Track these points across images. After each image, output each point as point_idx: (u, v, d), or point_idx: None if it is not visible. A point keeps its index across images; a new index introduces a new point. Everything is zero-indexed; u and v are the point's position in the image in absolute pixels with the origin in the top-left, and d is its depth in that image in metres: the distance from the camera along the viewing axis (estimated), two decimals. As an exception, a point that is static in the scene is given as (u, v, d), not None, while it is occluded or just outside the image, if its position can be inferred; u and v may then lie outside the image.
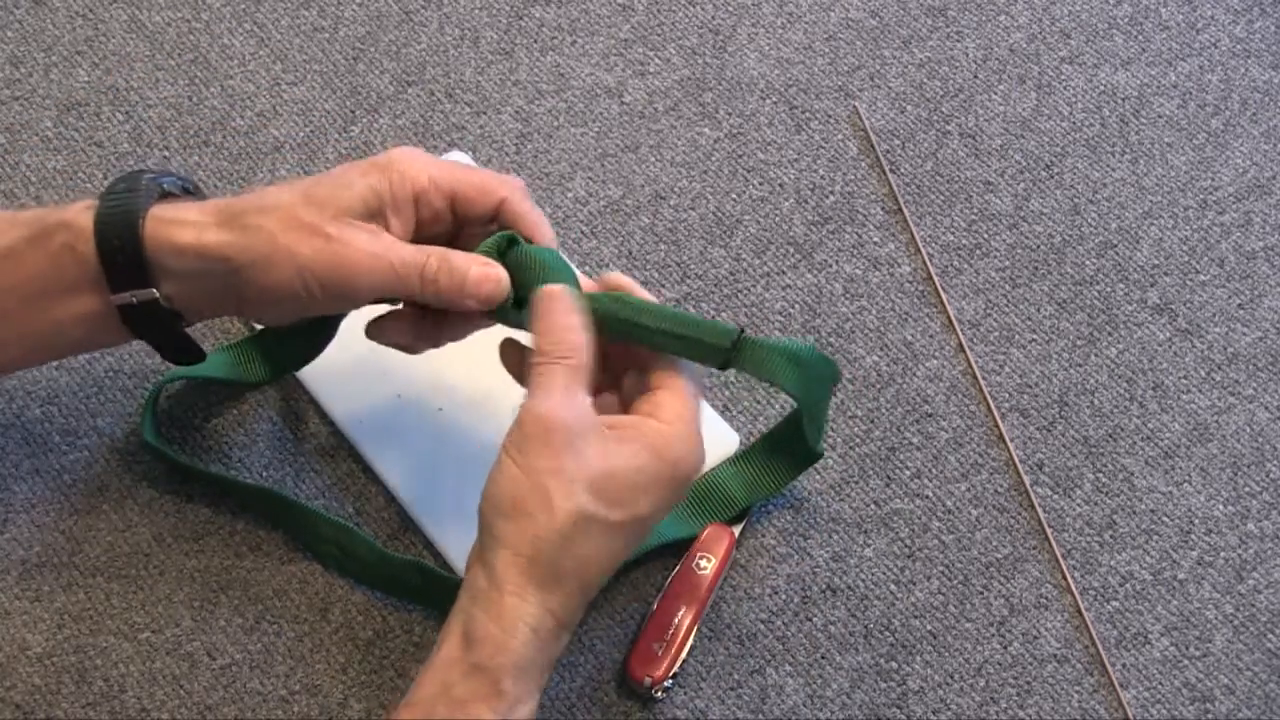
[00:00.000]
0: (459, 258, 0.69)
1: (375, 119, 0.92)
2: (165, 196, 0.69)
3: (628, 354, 0.70)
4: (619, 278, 0.70)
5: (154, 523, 0.78)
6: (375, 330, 0.72)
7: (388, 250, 0.68)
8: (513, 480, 0.63)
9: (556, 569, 0.63)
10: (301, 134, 0.91)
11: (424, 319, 0.72)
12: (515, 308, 0.70)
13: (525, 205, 0.71)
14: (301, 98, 0.93)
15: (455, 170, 0.70)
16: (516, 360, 0.71)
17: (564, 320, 0.67)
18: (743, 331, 0.68)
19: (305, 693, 0.74)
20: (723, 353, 0.68)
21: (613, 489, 0.63)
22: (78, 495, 0.79)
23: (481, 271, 0.69)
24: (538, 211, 0.72)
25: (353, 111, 0.92)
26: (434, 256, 0.69)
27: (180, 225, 0.67)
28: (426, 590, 0.76)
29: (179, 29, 0.95)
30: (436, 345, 0.73)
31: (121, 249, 0.67)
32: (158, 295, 0.67)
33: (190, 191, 0.72)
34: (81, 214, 0.67)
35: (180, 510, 0.78)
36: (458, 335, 0.73)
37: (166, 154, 0.89)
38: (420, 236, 0.70)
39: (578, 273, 0.71)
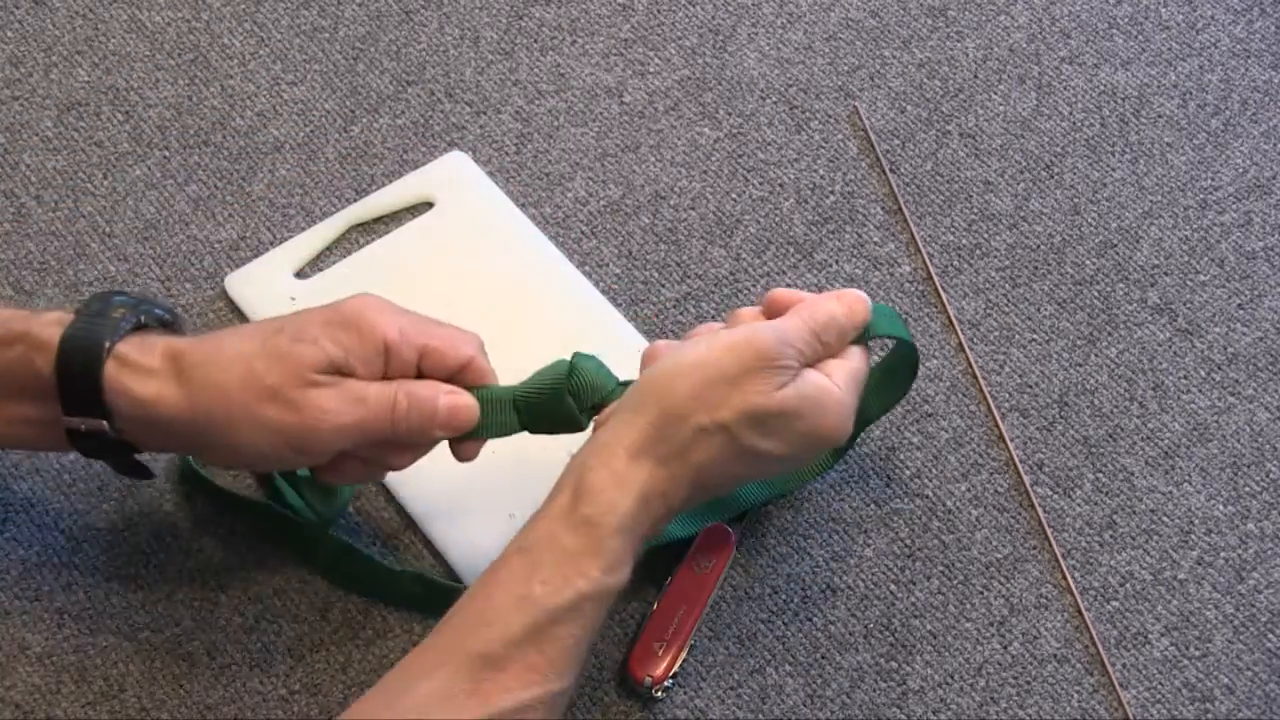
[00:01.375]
0: (425, 391, 0.68)
1: (375, 119, 0.92)
2: (139, 329, 0.67)
3: None
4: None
5: (154, 523, 0.78)
6: (332, 475, 0.71)
7: (354, 406, 0.66)
8: (698, 361, 0.67)
9: (684, 455, 0.66)
10: (301, 134, 0.91)
11: (369, 459, 0.71)
12: (582, 414, 0.71)
13: (488, 365, 0.71)
14: (301, 98, 0.93)
15: (424, 324, 0.70)
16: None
17: (849, 326, 0.72)
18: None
19: (305, 692, 0.74)
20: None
21: (767, 421, 0.67)
22: (78, 495, 0.79)
23: (450, 401, 0.69)
24: (493, 374, 0.71)
25: (353, 111, 0.92)
26: (402, 394, 0.68)
27: (141, 375, 0.66)
28: (430, 599, 0.76)
29: (179, 29, 0.95)
30: (392, 469, 0.72)
31: (81, 378, 0.65)
32: (108, 429, 0.66)
33: (167, 324, 0.70)
34: (49, 329, 0.66)
35: (180, 510, 0.78)
36: (408, 463, 0.72)
37: (166, 153, 0.89)
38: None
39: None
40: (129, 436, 0.67)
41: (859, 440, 0.82)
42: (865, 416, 0.76)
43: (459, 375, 0.70)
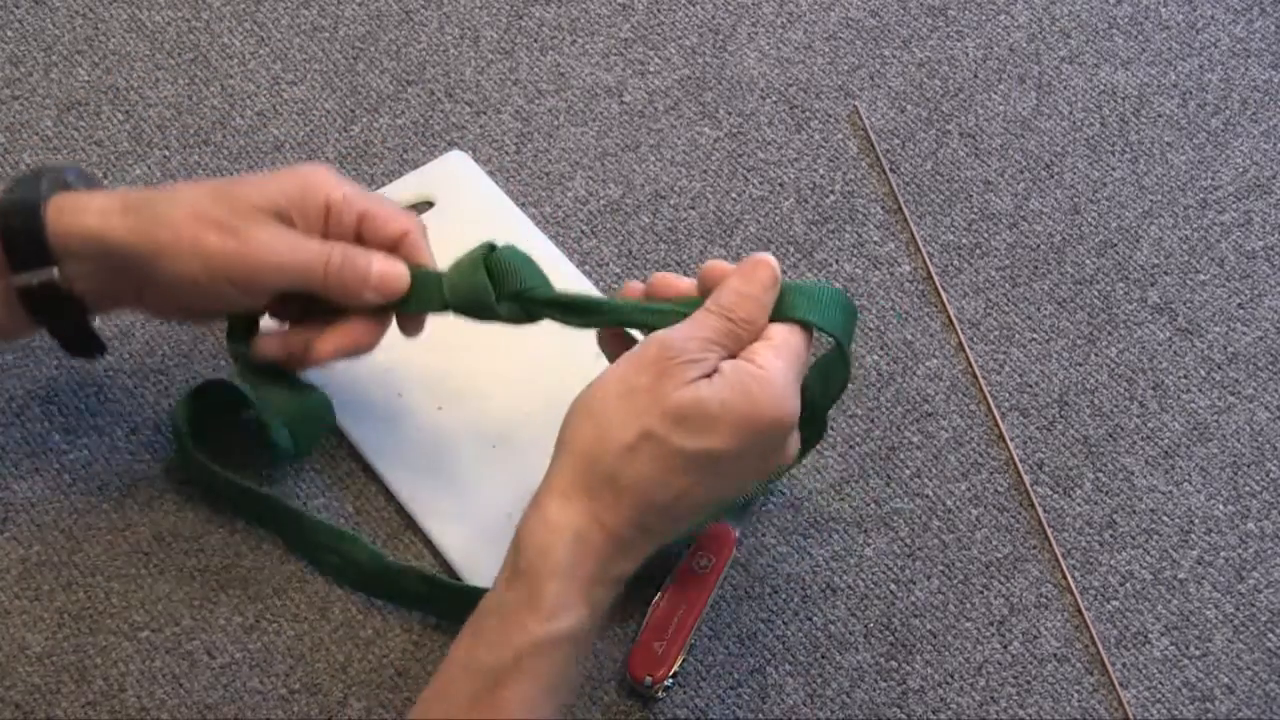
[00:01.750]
0: (361, 253, 0.71)
1: (375, 119, 0.92)
2: (67, 189, 0.70)
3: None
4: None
5: (154, 523, 0.78)
6: (259, 345, 0.74)
7: (293, 246, 0.69)
8: (603, 387, 0.65)
9: (614, 481, 0.63)
10: (301, 133, 0.91)
11: (294, 338, 0.73)
12: (499, 304, 0.72)
13: (425, 243, 0.73)
14: (301, 97, 0.93)
15: (368, 195, 0.72)
16: (616, 350, 0.71)
17: (755, 291, 0.66)
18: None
19: (305, 692, 0.74)
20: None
21: (691, 417, 0.63)
22: (78, 495, 0.79)
23: (384, 266, 0.71)
24: (430, 254, 0.73)
25: (353, 111, 0.92)
26: (337, 251, 0.70)
27: (84, 211, 0.68)
28: (431, 598, 0.76)
29: (179, 29, 0.95)
30: (318, 363, 0.73)
31: (23, 230, 0.68)
32: (56, 277, 0.68)
33: (92, 186, 0.73)
34: None
35: (180, 510, 0.78)
36: (330, 353, 0.73)
37: (166, 153, 0.89)
38: None
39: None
40: (79, 289, 0.69)
41: (858, 440, 0.82)
42: (817, 404, 0.73)
43: (396, 249, 0.72)
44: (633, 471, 0.63)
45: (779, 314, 0.68)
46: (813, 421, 0.72)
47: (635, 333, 0.72)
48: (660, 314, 0.69)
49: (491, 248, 0.72)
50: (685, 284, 0.70)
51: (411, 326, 0.75)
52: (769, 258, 0.67)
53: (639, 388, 0.64)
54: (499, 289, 0.72)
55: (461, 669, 0.63)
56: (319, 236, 0.71)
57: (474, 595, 0.75)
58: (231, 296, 0.70)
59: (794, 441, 0.68)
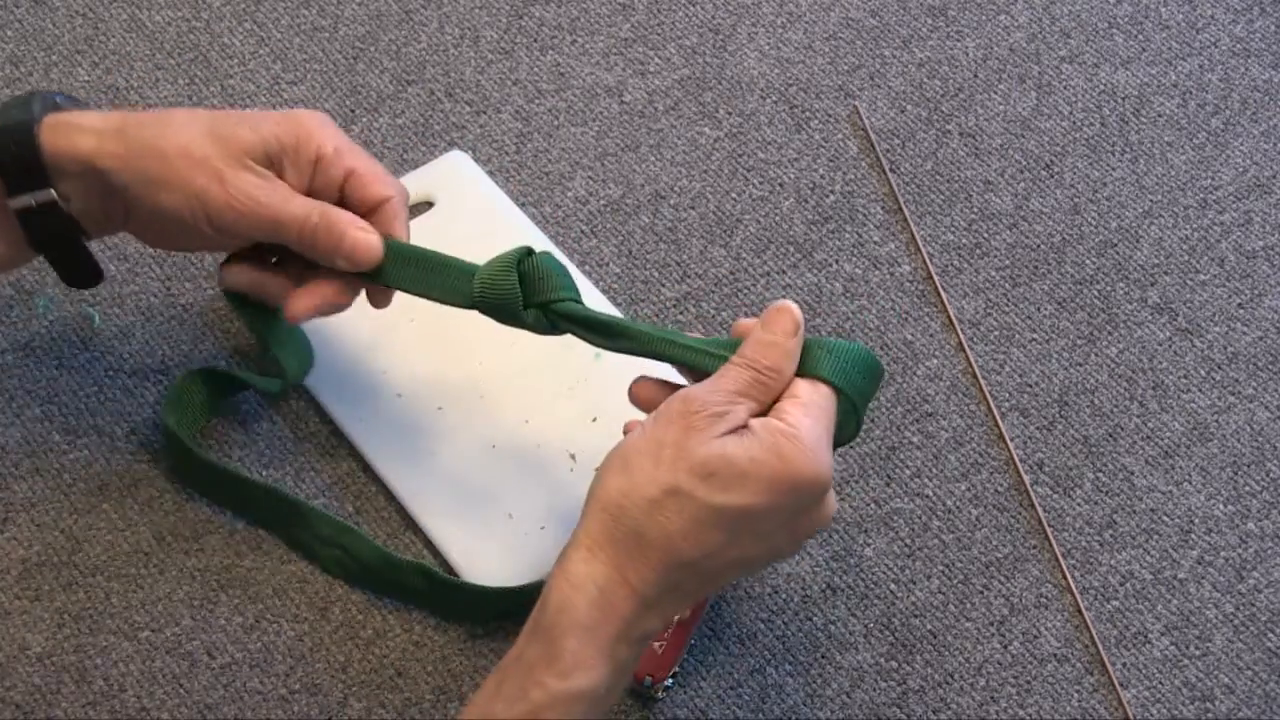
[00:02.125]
0: (340, 217, 0.71)
1: (375, 119, 0.92)
2: (58, 110, 0.71)
3: None
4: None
5: (154, 523, 0.78)
6: (224, 275, 0.75)
7: (277, 201, 0.70)
8: (632, 442, 0.64)
9: (640, 536, 0.62)
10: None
11: (270, 281, 0.74)
12: (526, 309, 0.71)
13: (404, 212, 0.73)
14: (301, 98, 0.93)
15: (360, 153, 0.73)
16: (650, 398, 0.70)
17: (779, 339, 0.65)
18: None
19: (305, 692, 0.74)
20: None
21: (721, 472, 0.61)
22: (78, 495, 0.79)
23: (358, 235, 0.71)
24: (407, 226, 0.73)
25: (353, 111, 0.92)
26: (316, 212, 0.71)
27: (78, 131, 0.69)
28: (430, 594, 0.76)
29: (179, 29, 0.95)
30: (292, 318, 0.74)
31: (18, 152, 0.68)
32: (55, 197, 0.69)
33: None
34: None
35: (180, 510, 0.78)
36: (303, 314, 0.73)
37: (166, 154, 0.89)
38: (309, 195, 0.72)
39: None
40: (75, 209, 0.70)
41: (858, 440, 0.82)
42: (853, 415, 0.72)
43: (376, 213, 0.72)
44: (659, 527, 0.62)
45: (806, 369, 0.66)
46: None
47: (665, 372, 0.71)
48: (685, 349, 0.69)
49: (528, 252, 0.72)
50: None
51: (381, 299, 0.75)
52: (790, 305, 0.66)
53: (665, 442, 0.62)
54: (528, 295, 0.71)
55: None
56: (305, 186, 0.72)
57: (472, 592, 0.75)
58: (209, 237, 0.71)
59: (830, 502, 0.66)
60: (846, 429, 0.68)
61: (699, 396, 0.63)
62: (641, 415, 0.71)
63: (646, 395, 0.70)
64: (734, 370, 0.65)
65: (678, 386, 0.69)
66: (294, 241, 0.71)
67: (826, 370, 0.66)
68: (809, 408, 0.64)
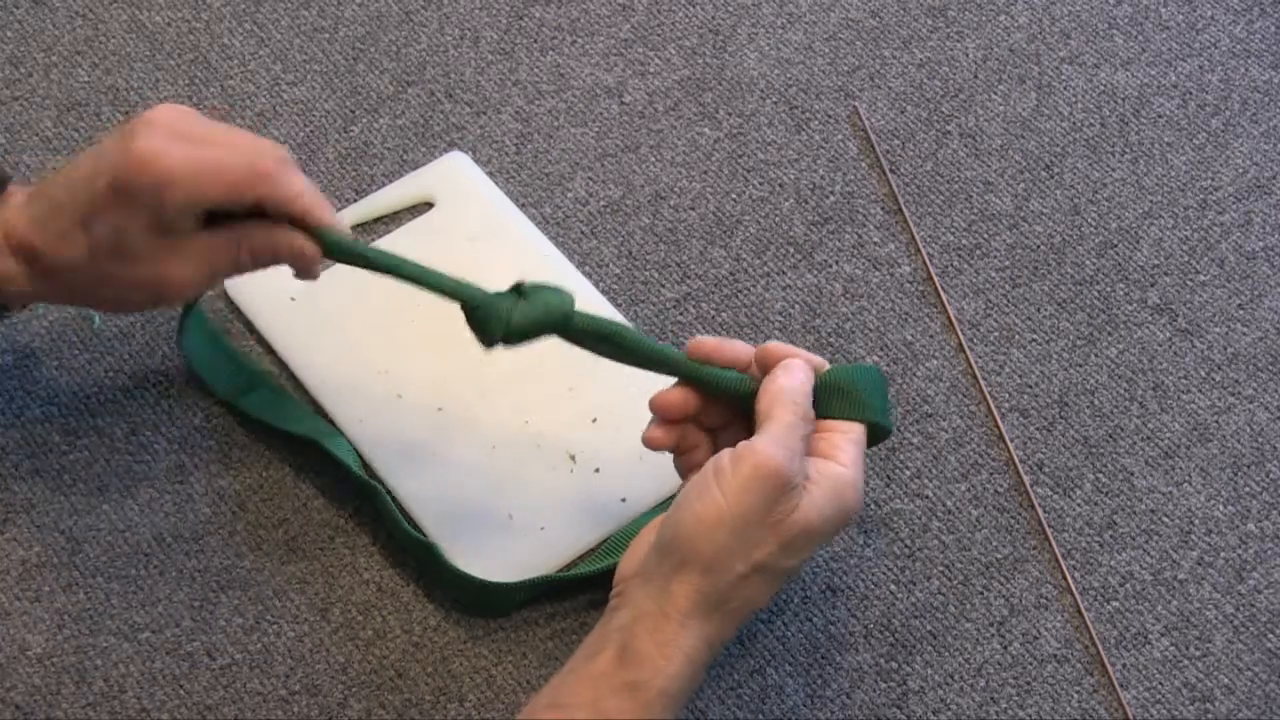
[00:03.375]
0: (262, 241, 0.69)
1: (375, 119, 0.92)
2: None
3: None
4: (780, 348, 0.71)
5: (154, 523, 0.78)
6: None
7: (199, 267, 0.69)
8: (718, 512, 0.64)
9: (725, 604, 0.65)
10: (301, 134, 0.91)
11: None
12: (520, 338, 0.71)
13: (283, 189, 0.68)
14: (301, 98, 0.93)
15: (207, 158, 0.66)
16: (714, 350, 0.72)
17: (804, 387, 0.69)
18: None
19: (305, 693, 0.74)
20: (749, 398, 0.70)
21: (799, 541, 0.66)
22: (78, 495, 0.79)
23: (291, 247, 0.70)
24: (306, 189, 0.69)
25: (353, 111, 0.92)
26: (243, 250, 0.70)
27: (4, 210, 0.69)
28: (432, 571, 0.76)
29: (179, 29, 0.95)
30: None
31: None
32: None
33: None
34: None
35: (180, 510, 0.78)
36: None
37: (166, 154, 0.89)
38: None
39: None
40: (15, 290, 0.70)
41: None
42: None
43: (262, 210, 0.69)
44: (743, 597, 0.65)
45: (844, 410, 0.70)
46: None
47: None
48: (704, 378, 0.71)
49: (569, 315, 0.70)
50: (741, 350, 0.71)
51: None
52: (791, 351, 0.70)
53: (750, 518, 0.64)
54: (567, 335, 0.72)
55: None
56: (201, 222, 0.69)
57: (470, 582, 0.75)
58: (164, 305, 0.72)
59: None
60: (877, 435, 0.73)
61: (776, 463, 0.64)
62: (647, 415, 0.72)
63: (671, 404, 0.72)
64: (797, 424, 0.67)
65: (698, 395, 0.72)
66: (238, 271, 0.70)
67: (876, 414, 0.70)
68: (858, 442, 0.69)
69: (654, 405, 0.72)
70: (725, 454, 0.66)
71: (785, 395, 0.67)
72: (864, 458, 0.69)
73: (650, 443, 0.72)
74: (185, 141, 0.66)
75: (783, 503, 0.65)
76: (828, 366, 0.71)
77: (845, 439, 0.68)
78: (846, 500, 0.67)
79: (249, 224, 0.69)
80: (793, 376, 0.68)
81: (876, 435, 0.71)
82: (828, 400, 0.70)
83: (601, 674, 0.64)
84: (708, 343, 0.71)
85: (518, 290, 0.71)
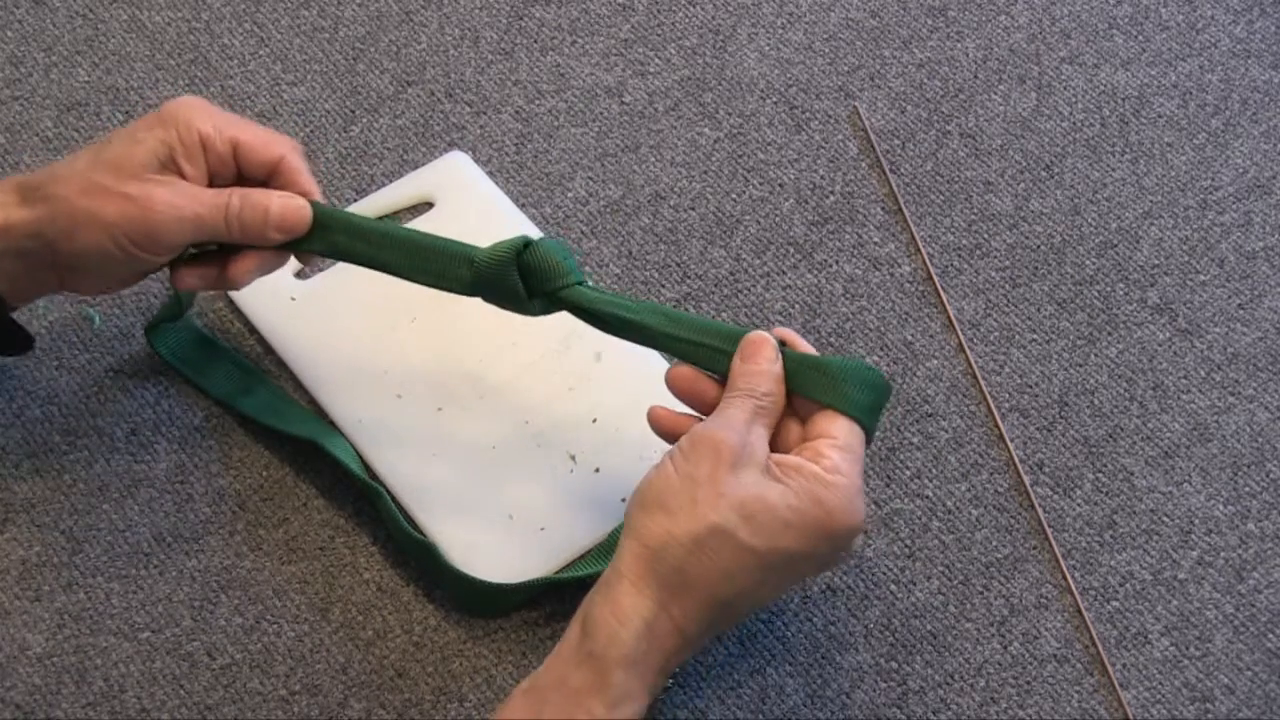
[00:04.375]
0: (258, 193, 0.72)
1: (375, 119, 0.92)
2: None
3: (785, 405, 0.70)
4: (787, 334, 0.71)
5: (154, 523, 0.78)
6: (177, 279, 0.75)
7: (190, 198, 0.71)
8: (665, 479, 0.65)
9: (683, 573, 0.63)
10: (301, 134, 0.91)
11: (213, 263, 0.75)
12: (530, 300, 0.72)
13: (303, 165, 0.74)
14: (301, 98, 0.93)
15: (237, 120, 0.73)
16: (688, 384, 0.71)
17: (767, 367, 0.68)
18: (783, 347, 0.70)
19: (305, 693, 0.74)
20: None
21: (761, 516, 0.64)
22: (78, 495, 0.79)
23: (283, 203, 0.72)
24: (312, 178, 0.74)
25: (353, 111, 0.92)
26: (235, 195, 0.72)
27: None
28: (432, 571, 0.76)
29: (179, 29, 0.95)
30: (235, 286, 0.75)
31: None
32: None
33: None
34: None
35: (180, 510, 0.78)
36: (245, 275, 0.74)
37: (166, 154, 0.89)
38: (213, 185, 0.73)
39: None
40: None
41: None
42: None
43: (275, 175, 0.74)
44: (702, 566, 0.63)
45: (832, 399, 0.68)
46: None
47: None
48: (690, 345, 0.71)
49: (527, 243, 0.72)
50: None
51: (309, 260, 0.77)
52: (765, 335, 0.69)
53: (699, 479, 0.64)
54: (531, 286, 0.72)
55: None
56: (206, 174, 0.72)
57: (471, 584, 0.75)
58: (142, 259, 0.71)
59: (860, 539, 0.69)
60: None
61: (717, 434, 0.65)
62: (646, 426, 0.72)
63: (667, 425, 0.71)
64: (737, 401, 0.67)
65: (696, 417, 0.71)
66: (223, 230, 0.72)
67: (857, 408, 0.68)
68: (847, 452, 0.66)
69: (651, 421, 0.72)
70: (685, 434, 0.67)
71: (736, 378, 0.68)
72: (857, 466, 0.66)
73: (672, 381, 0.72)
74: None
75: (735, 472, 0.64)
76: (803, 345, 0.70)
77: (832, 445, 0.66)
78: (829, 504, 0.64)
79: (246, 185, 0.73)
80: (744, 360, 0.69)
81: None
82: (806, 375, 0.69)
83: (568, 648, 0.64)
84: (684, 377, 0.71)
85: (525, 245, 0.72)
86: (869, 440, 0.69)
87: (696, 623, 0.64)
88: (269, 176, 0.74)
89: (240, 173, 0.74)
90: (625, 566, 0.64)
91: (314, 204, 0.74)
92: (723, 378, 0.70)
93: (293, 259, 0.78)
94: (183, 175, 0.71)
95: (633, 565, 0.64)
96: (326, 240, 0.74)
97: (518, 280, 0.72)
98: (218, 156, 0.72)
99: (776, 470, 0.65)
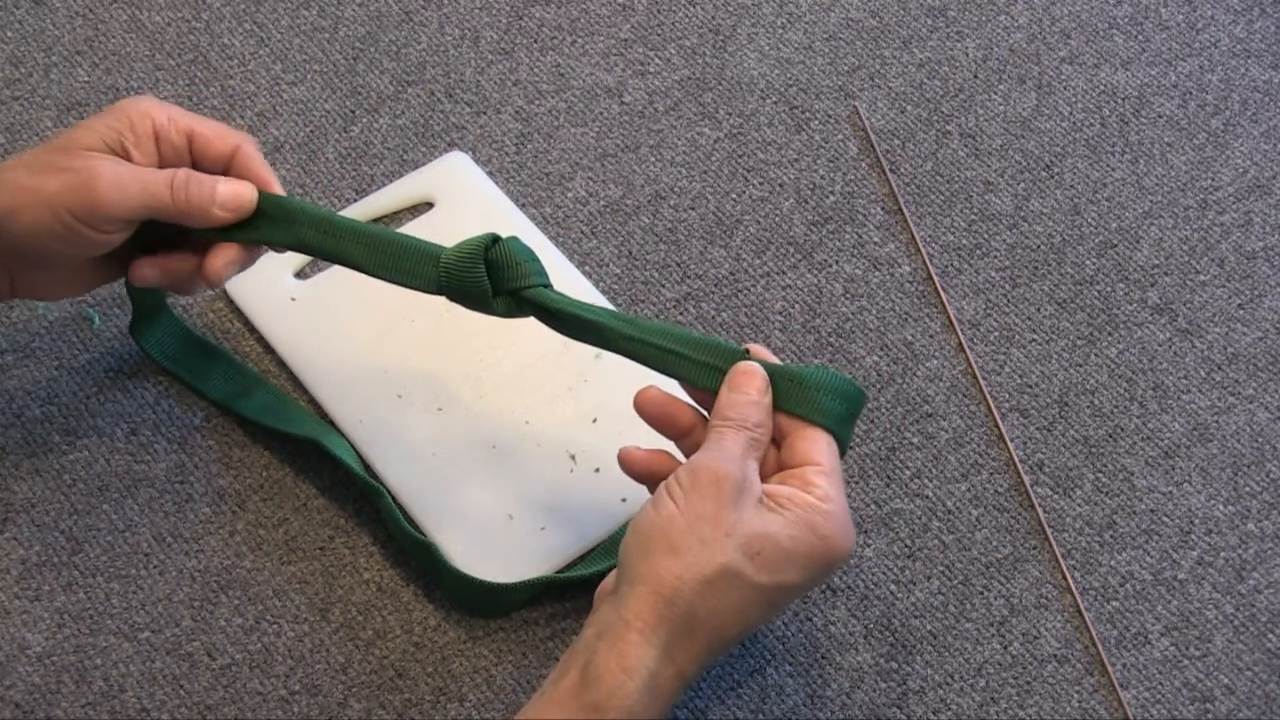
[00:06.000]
0: (205, 175, 0.72)
1: (375, 119, 0.92)
2: None
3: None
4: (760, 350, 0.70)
5: (154, 523, 0.78)
6: (133, 275, 0.75)
7: (135, 170, 0.70)
8: (669, 517, 0.64)
9: (692, 617, 0.62)
10: (301, 134, 0.91)
11: (176, 262, 0.74)
12: (495, 298, 0.72)
13: (259, 158, 0.74)
14: (301, 98, 0.93)
15: (192, 114, 0.74)
16: (659, 409, 0.71)
17: (756, 397, 0.67)
18: (747, 354, 0.69)
19: (305, 693, 0.74)
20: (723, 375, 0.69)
21: (766, 553, 0.63)
22: (78, 495, 0.79)
23: (230, 185, 0.72)
24: (269, 169, 0.74)
25: (353, 111, 0.92)
26: (182, 170, 0.71)
27: None
28: (432, 571, 0.76)
29: (179, 29, 0.95)
30: (211, 283, 0.74)
31: None
32: None
33: None
34: None
35: (180, 510, 0.78)
36: (212, 278, 0.74)
37: (166, 154, 0.89)
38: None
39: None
40: None
41: (859, 441, 0.82)
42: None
43: (232, 166, 0.73)
44: (710, 608, 0.63)
45: (807, 412, 0.67)
46: None
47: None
48: (658, 351, 0.70)
49: (495, 239, 0.72)
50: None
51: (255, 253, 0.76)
52: (755, 367, 0.68)
53: (704, 517, 0.63)
54: (497, 283, 0.71)
55: None
56: (157, 164, 0.72)
57: (470, 583, 0.75)
58: (86, 236, 0.70)
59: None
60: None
61: (717, 467, 0.64)
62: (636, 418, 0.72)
63: (654, 409, 0.70)
64: (730, 434, 0.66)
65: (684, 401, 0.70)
66: (168, 202, 0.71)
67: (832, 419, 0.67)
68: (833, 476, 0.66)
69: (638, 406, 0.71)
70: (681, 468, 0.65)
71: (726, 409, 0.67)
72: (842, 487, 0.66)
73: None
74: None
75: (737, 508, 0.63)
76: (770, 358, 0.70)
77: (820, 472, 0.66)
78: (825, 533, 0.64)
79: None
80: (734, 391, 0.67)
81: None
82: (780, 387, 0.68)
83: (567, 693, 0.62)
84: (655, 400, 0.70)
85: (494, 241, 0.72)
86: (843, 451, 0.68)
87: (696, 663, 0.64)
88: (225, 169, 0.73)
89: (195, 165, 0.73)
90: (633, 614, 0.62)
91: (279, 197, 0.73)
92: (695, 388, 0.70)
93: (293, 260, 0.78)
94: (131, 161, 0.71)
95: (642, 613, 0.62)
96: (293, 233, 0.73)
97: (484, 276, 0.71)
98: (171, 146, 0.72)
99: (770, 502, 0.64)
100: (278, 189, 0.74)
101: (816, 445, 0.67)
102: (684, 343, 0.70)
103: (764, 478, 0.67)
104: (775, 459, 0.68)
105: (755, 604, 0.64)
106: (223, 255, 0.73)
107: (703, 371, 0.69)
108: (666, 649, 0.62)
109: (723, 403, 0.67)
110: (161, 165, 0.72)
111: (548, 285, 0.72)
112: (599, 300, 0.85)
